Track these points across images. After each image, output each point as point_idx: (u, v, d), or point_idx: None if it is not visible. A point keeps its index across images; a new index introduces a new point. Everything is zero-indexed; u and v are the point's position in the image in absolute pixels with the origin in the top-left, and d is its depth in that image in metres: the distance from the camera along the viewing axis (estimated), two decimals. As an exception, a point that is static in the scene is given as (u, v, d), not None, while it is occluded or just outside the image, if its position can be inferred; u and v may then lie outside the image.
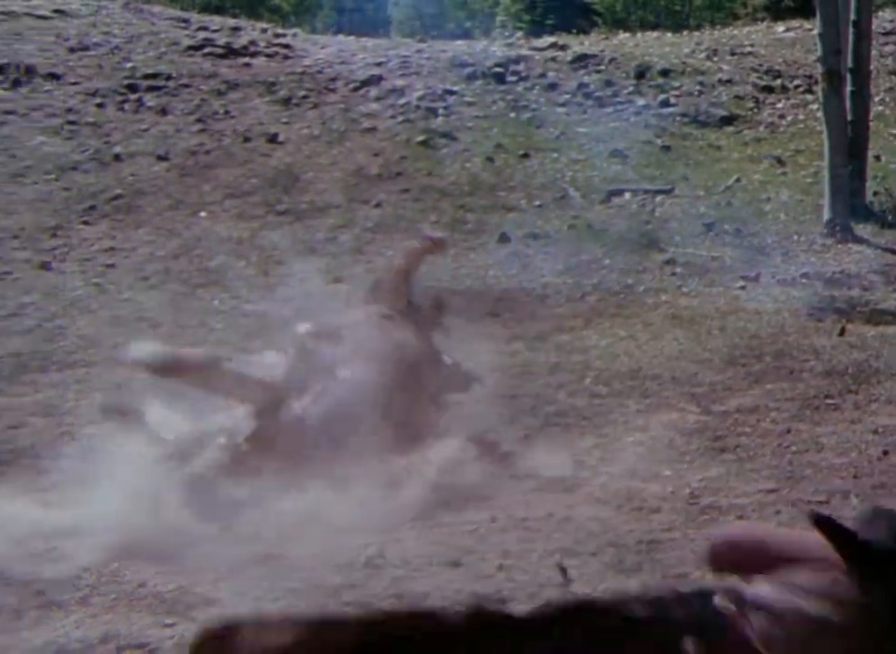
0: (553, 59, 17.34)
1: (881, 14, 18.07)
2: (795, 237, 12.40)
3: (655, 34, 20.92)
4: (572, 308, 9.81)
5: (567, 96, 16.21)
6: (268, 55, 16.56)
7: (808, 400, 7.28)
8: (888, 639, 2.02)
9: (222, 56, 16.24)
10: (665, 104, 16.17)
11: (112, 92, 14.79)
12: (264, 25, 19.27)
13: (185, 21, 17.85)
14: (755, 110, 16.44)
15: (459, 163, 14.08)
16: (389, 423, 5.87)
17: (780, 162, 14.94)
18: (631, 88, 16.49)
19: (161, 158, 13.42)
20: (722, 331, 8.97)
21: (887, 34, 17.61)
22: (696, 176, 14.26)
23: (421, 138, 14.56)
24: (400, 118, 15.09)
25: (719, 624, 2.01)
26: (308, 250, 11.23)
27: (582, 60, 17.27)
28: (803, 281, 10.92)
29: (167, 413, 6.08)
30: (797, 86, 17.21)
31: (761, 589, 2.06)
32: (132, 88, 14.93)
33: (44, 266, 10.61)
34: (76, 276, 10.43)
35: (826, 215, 12.63)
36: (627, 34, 20.91)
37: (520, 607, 4.44)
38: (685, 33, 21.20)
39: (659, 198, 13.49)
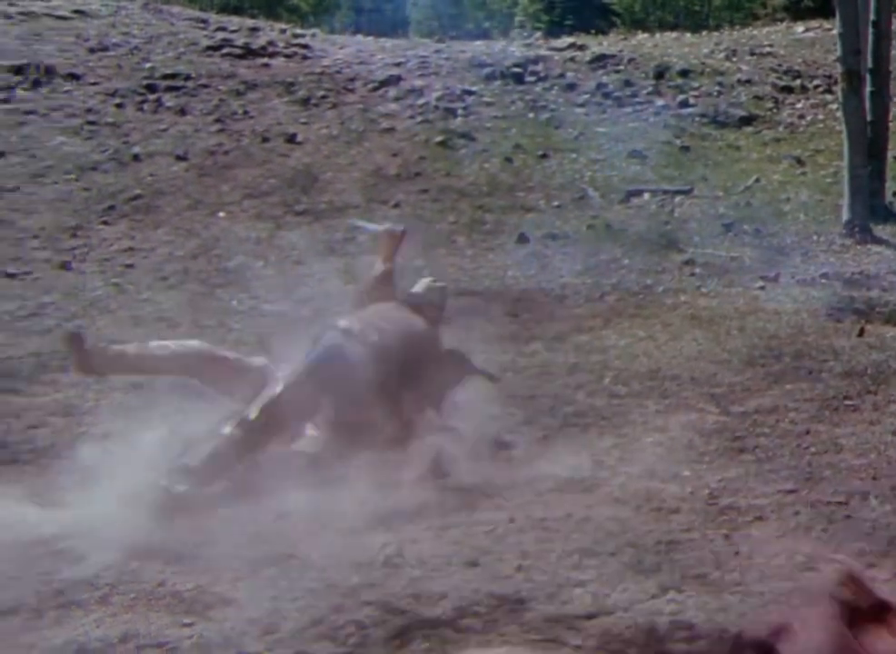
0: (572, 59, 17.34)
1: (901, 13, 17.99)
2: (814, 237, 12.38)
3: (674, 34, 20.95)
4: (591, 308, 9.79)
5: (586, 96, 16.20)
6: (287, 56, 16.60)
7: (827, 400, 7.26)
8: None
9: (240, 57, 16.29)
10: (684, 104, 16.17)
11: (131, 92, 14.84)
12: (283, 26, 19.35)
13: (204, 21, 17.92)
14: (774, 110, 16.42)
15: (478, 163, 14.08)
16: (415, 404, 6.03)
17: (799, 162, 14.92)
18: (650, 88, 16.48)
19: (180, 158, 13.46)
20: (741, 331, 8.95)
21: (907, 34, 17.52)
22: (715, 176, 14.24)
23: (439, 138, 14.57)
24: (419, 118, 15.10)
25: None
26: (327, 250, 11.25)
27: (600, 60, 17.27)
28: (822, 281, 10.89)
29: (186, 413, 6.11)
30: (816, 86, 17.18)
31: None
32: (151, 88, 14.98)
33: (64, 266, 10.64)
34: (96, 276, 10.45)
35: (845, 216, 12.61)
36: (646, 35, 20.95)
37: (539, 607, 4.45)
38: (704, 33, 21.22)
39: (678, 198, 13.47)
